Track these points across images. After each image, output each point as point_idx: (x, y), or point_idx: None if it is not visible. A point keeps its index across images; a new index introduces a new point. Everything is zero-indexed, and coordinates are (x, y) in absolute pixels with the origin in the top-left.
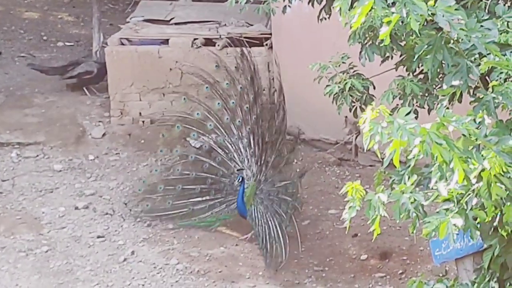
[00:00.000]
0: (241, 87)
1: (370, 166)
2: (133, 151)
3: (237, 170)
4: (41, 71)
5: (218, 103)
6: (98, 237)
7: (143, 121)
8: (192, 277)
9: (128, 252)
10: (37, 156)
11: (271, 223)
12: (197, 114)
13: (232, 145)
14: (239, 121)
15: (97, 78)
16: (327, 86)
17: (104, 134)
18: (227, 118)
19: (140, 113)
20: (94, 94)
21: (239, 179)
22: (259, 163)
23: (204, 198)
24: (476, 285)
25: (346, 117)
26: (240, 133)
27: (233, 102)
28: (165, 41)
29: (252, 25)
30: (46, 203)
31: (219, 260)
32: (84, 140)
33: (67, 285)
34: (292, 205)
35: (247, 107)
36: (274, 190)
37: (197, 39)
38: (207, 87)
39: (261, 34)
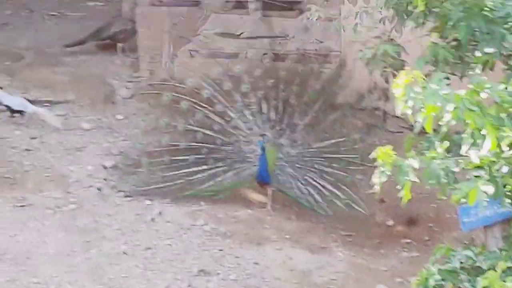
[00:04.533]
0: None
1: (398, 132)
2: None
3: (260, 135)
4: (78, 44)
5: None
6: (126, 196)
7: None
8: (219, 238)
9: (155, 212)
10: (66, 114)
11: (315, 182)
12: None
13: (235, 113)
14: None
15: (131, 35)
16: (360, 51)
17: (133, 95)
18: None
19: None
20: (125, 54)
21: (261, 146)
22: (277, 128)
23: (200, 168)
24: (504, 252)
25: (375, 82)
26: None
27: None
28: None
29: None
30: (74, 161)
31: (245, 222)
32: (113, 100)
33: (94, 243)
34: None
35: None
36: (313, 151)
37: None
38: None
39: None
